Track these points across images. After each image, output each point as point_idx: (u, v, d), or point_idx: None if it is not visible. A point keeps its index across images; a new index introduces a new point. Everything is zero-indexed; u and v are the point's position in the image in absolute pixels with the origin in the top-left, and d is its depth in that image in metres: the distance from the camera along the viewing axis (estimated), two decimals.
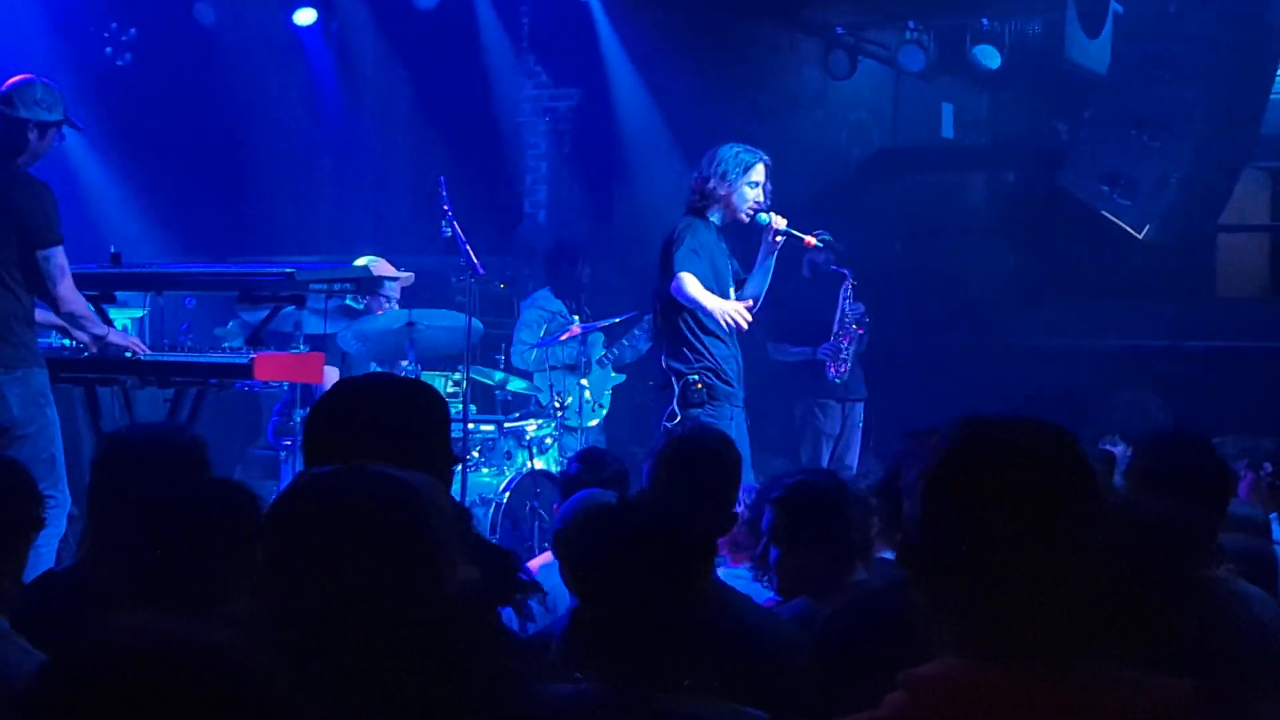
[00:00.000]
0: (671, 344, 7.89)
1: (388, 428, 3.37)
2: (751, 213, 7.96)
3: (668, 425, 7.58)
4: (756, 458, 8.55)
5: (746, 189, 7.97)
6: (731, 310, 7.71)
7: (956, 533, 2.07)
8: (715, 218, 8.00)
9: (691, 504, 4.25)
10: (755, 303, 8.06)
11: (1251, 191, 13.73)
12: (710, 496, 4.52)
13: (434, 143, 12.36)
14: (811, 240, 8.05)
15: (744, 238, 8.38)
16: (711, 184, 7.95)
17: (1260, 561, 4.73)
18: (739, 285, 8.18)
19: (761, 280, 8.18)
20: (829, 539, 4.46)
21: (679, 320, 7.84)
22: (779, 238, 7.99)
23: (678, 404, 7.74)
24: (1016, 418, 2.13)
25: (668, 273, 7.80)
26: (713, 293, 7.80)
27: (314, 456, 3.34)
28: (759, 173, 8.01)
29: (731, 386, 7.87)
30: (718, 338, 7.83)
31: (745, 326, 7.78)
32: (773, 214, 7.98)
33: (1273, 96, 13.06)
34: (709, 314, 7.74)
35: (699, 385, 7.75)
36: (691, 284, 7.68)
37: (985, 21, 13.84)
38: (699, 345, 7.80)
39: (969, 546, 2.05)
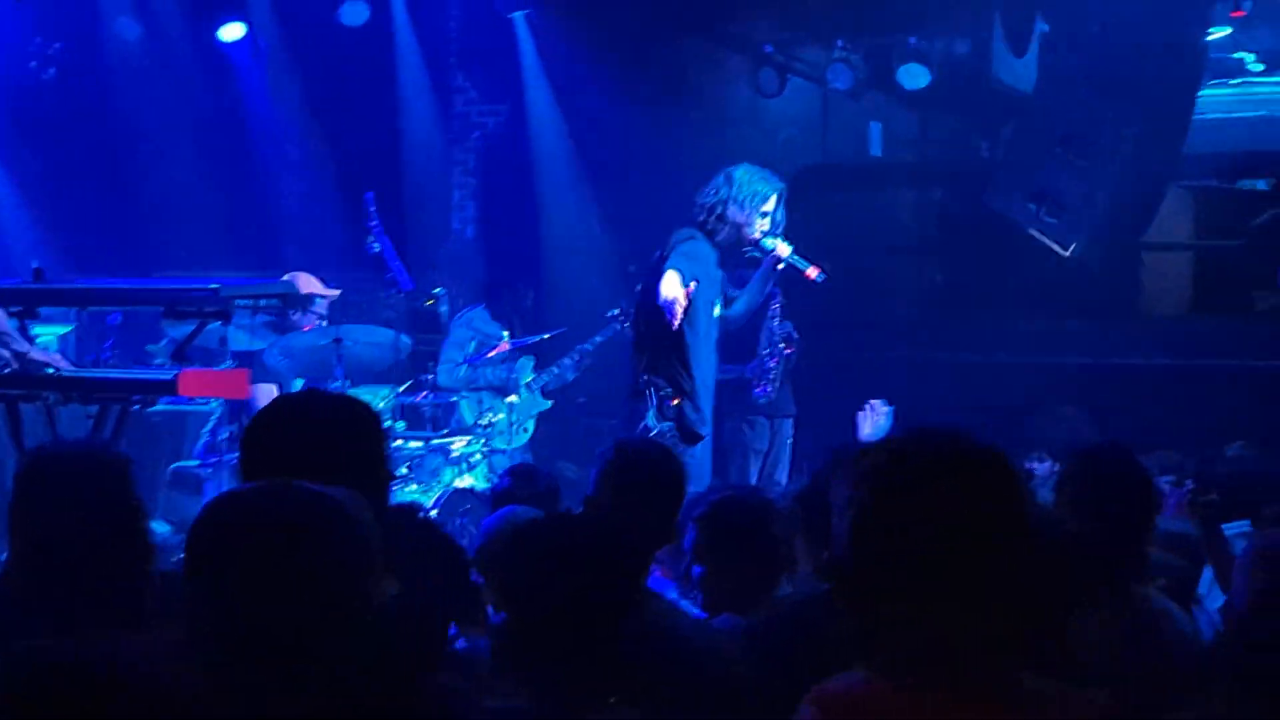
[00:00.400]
0: (653, 358, 7.97)
1: (322, 444, 3.38)
2: (756, 240, 8.05)
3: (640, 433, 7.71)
4: None
5: (759, 219, 8.04)
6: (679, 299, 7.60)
7: (884, 551, 2.06)
8: (719, 238, 8.07)
9: (632, 516, 4.24)
10: (739, 318, 8.11)
11: (1175, 210, 13.87)
12: (651, 509, 4.49)
13: (362, 159, 12.29)
14: (813, 273, 8.07)
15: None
16: (729, 209, 8.02)
17: (1184, 579, 4.78)
18: (727, 303, 8.19)
19: (752, 299, 8.23)
20: (752, 555, 4.46)
21: (667, 337, 7.89)
22: (780, 264, 8.07)
23: (654, 416, 7.84)
24: (948, 436, 2.12)
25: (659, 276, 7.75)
26: (705, 306, 7.85)
27: (251, 473, 3.33)
28: (772, 203, 8.09)
29: (699, 413, 7.99)
30: (697, 364, 7.95)
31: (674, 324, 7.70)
32: (779, 240, 8.04)
33: (1195, 116, 13.21)
34: (694, 337, 7.85)
35: (674, 402, 7.85)
36: (671, 279, 7.62)
37: (913, 40, 13.91)
38: (680, 367, 7.91)
39: (895, 565, 2.04)
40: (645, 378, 7.91)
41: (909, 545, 2.04)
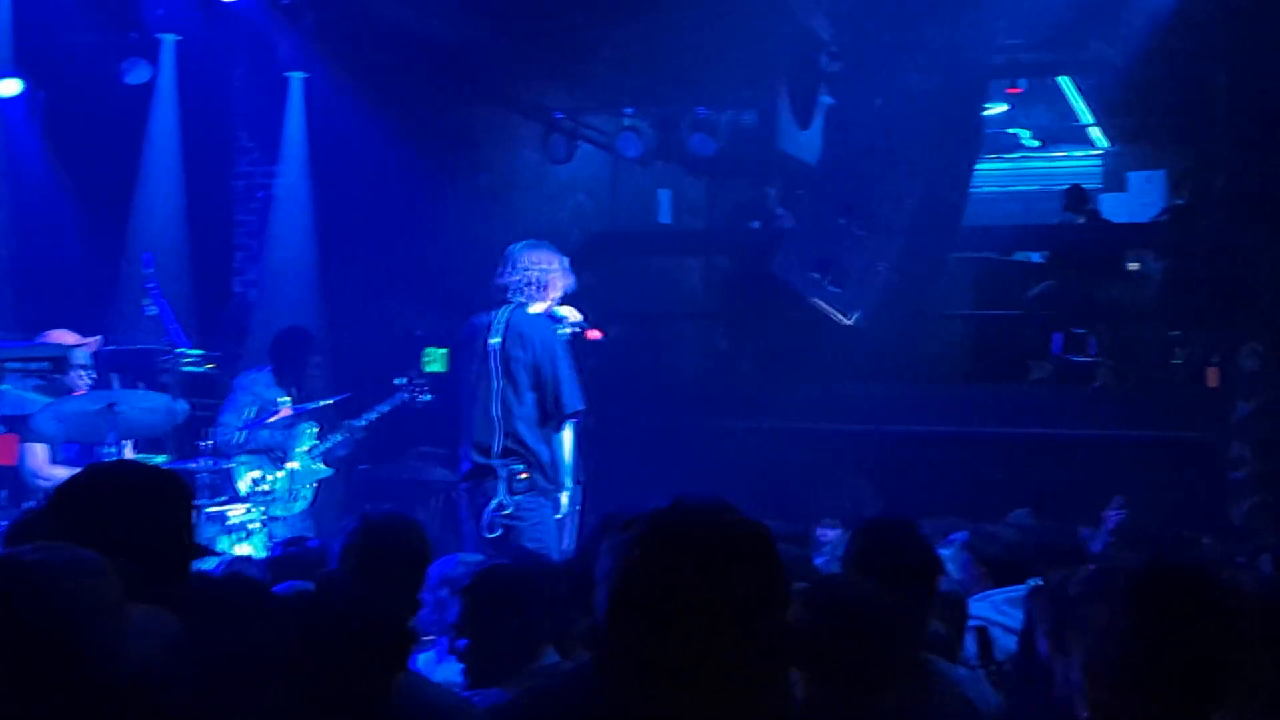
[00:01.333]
0: (515, 433, 8.16)
1: (126, 514, 3.47)
2: (558, 312, 8.36)
3: (498, 514, 7.99)
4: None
5: (559, 287, 8.38)
6: None
7: (640, 623, 2.03)
8: (532, 308, 8.29)
9: (378, 591, 4.14)
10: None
11: (954, 280, 14.18)
12: (395, 582, 4.39)
13: (143, 218, 12.01)
14: (594, 334, 8.54)
15: None
16: (542, 279, 8.30)
17: (950, 642, 4.84)
18: None
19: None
20: (517, 625, 4.37)
21: (534, 412, 8.17)
22: (569, 329, 8.33)
23: (505, 494, 8.03)
24: (713, 512, 2.09)
25: (547, 363, 8.14)
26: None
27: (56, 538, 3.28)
28: (566, 271, 8.43)
29: (552, 483, 8.18)
30: (551, 435, 8.23)
31: None
32: (566, 308, 8.39)
33: (974, 190, 13.56)
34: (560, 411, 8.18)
35: (524, 477, 8.07)
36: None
37: (701, 110, 14.09)
38: (532, 438, 8.15)
39: (651, 638, 2.01)
40: (502, 458, 8.14)
41: (665, 618, 2.01)
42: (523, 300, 8.28)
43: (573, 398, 8.20)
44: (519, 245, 8.46)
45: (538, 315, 8.27)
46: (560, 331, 8.31)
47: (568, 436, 8.31)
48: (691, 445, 12.59)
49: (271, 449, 10.05)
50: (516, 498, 8.03)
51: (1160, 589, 3.02)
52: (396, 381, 10.34)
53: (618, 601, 2.05)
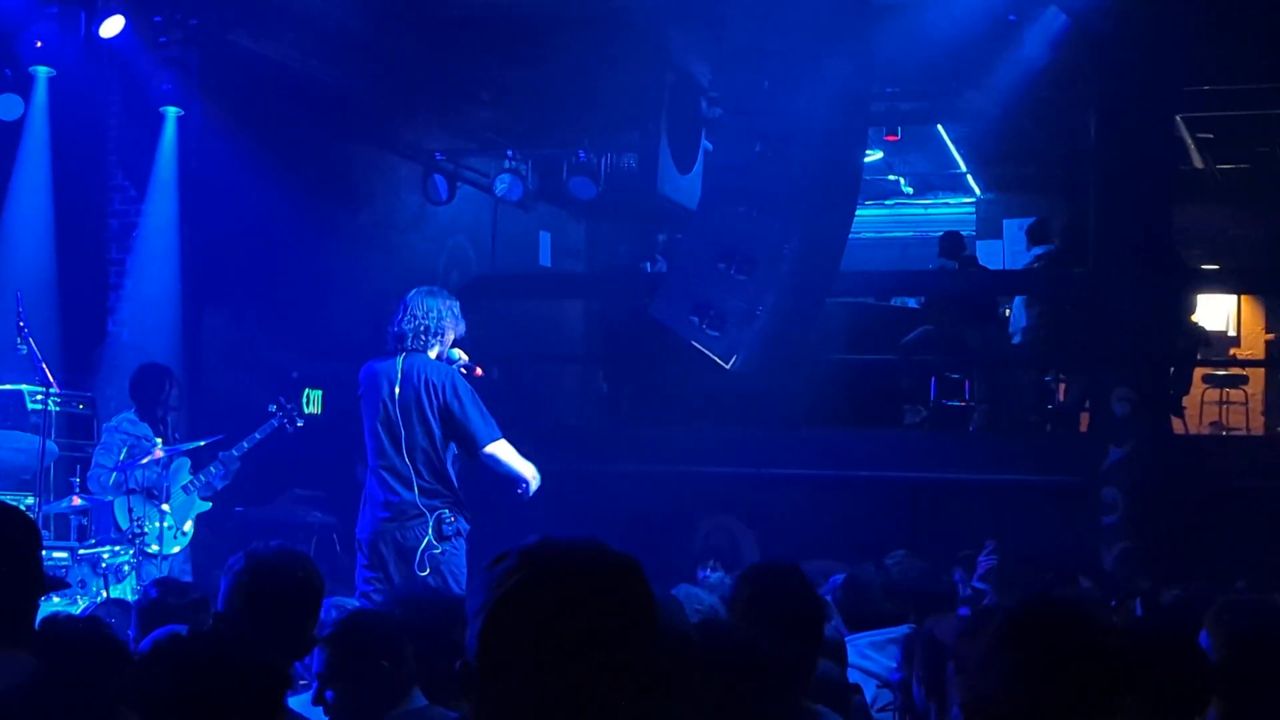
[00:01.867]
0: (431, 476, 8.39)
1: None
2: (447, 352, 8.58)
3: (428, 553, 8.25)
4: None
5: (453, 331, 8.61)
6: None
7: (512, 668, 2.01)
8: (430, 353, 8.51)
9: (265, 630, 4.05)
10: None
11: (833, 325, 14.30)
12: (285, 621, 4.29)
13: (10, 257, 11.79)
14: (479, 372, 8.67)
15: None
16: (441, 325, 8.49)
17: (831, 684, 4.85)
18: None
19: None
20: (383, 672, 4.29)
21: (446, 455, 8.42)
22: (460, 369, 8.54)
23: (433, 536, 8.30)
24: (584, 550, 2.07)
25: (456, 404, 8.35)
26: None
27: None
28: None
29: (469, 522, 8.47)
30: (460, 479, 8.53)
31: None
32: (456, 349, 8.64)
33: (852, 236, 13.68)
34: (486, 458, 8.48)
35: (451, 520, 8.36)
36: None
37: (582, 154, 14.13)
38: (445, 481, 8.43)
39: (524, 682, 1.99)
40: (421, 496, 8.38)
41: (534, 664, 1.99)
42: (419, 346, 8.46)
43: (488, 431, 8.41)
44: (413, 293, 8.62)
45: (436, 360, 8.47)
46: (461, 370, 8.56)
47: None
48: (572, 488, 12.54)
49: (146, 488, 9.89)
50: (445, 542, 8.32)
51: (1036, 628, 3.04)
52: (270, 408, 10.26)
53: (488, 635, 2.03)
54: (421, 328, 8.47)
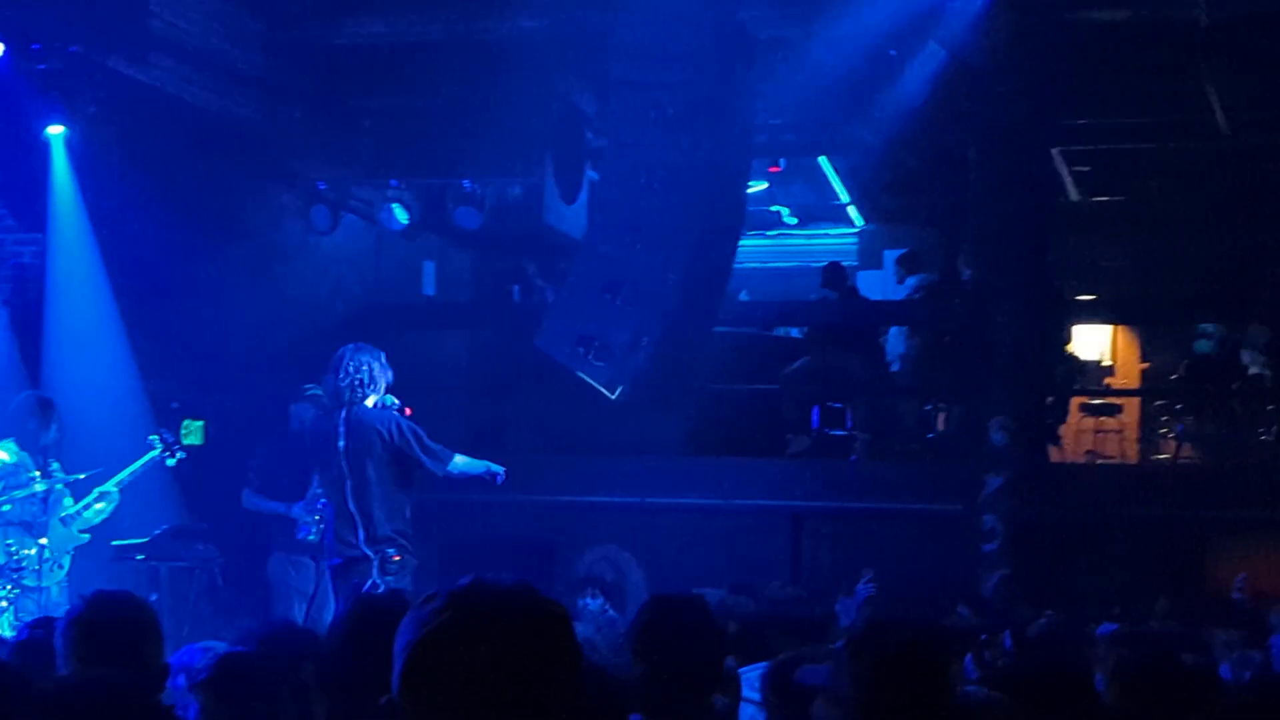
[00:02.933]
0: (384, 518, 8.95)
1: None
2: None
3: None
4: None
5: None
6: None
7: (436, 705, 2.03)
8: (368, 402, 9.11)
9: (109, 676, 3.96)
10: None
11: (716, 355, 14.35)
12: (129, 665, 4.20)
13: None
14: (408, 411, 9.30)
15: None
16: (374, 374, 9.11)
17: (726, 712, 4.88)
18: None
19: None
20: (258, 715, 4.17)
21: (403, 494, 9.11)
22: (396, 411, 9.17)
23: (378, 575, 8.81)
24: (511, 594, 2.10)
25: (404, 445, 8.99)
26: None
27: None
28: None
29: (415, 556, 9.09)
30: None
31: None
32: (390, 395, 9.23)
33: (736, 265, 13.78)
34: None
35: (395, 559, 8.89)
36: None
37: (466, 183, 14.10)
38: (395, 524, 8.99)
39: (449, 713, 2.01)
40: (367, 536, 8.92)
41: (460, 694, 2.01)
42: (358, 399, 9.07)
43: (444, 453, 9.14)
44: (343, 350, 9.23)
45: (375, 408, 9.09)
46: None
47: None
48: (454, 518, 12.52)
49: (25, 520, 9.71)
50: (388, 578, 8.83)
51: (887, 640, 3.08)
52: (149, 439, 10.13)
53: (411, 673, 2.05)
54: (356, 381, 9.09)
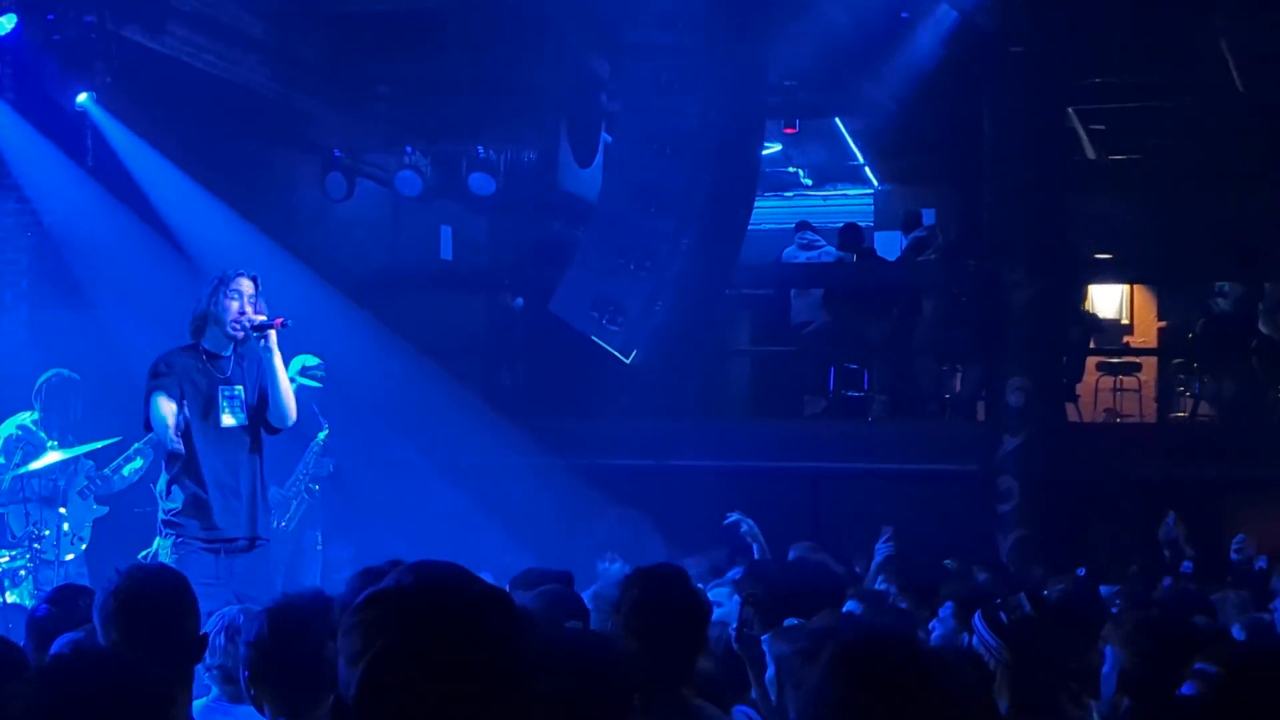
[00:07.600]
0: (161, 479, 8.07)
1: None
2: (236, 327, 7.93)
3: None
4: None
5: (230, 303, 7.93)
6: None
7: (385, 696, 2.05)
8: (209, 342, 7.99)
9: (144, 649, 4.02)
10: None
11: (732, 317, 14.40)
12: (169, 636, 4.25)
13: None
14: (279, 322, 7.95)
15: None
16: (198, 308, 8.01)
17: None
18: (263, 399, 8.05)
19: (270, 384, 8.03)
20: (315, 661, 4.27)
21: (161, 458, 8.09)
22: (259, 339, 7.94)
23: (160, 538, 7.92)
24: (453, 590, 2.12)
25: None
26: (194, 412, 7.90)
27: None
28: (238, 285, 7.97)
29: (213, 525, 7.87)
30: (190, 479, 7.88)
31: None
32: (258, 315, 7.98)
33: (751, 227, 13.79)
34: (180, 452, 7.88)
35: (164, 524, 7.90)
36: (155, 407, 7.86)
37: (481, 149, 14.12)
38: (170, 485, 7.92)
39: (395, 710, 2.04)
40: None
41: (408, 694, 2.04)
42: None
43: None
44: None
45: (171, 351, 8.21)
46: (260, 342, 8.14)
47: None
48: (474, 481, 12.58)
49: (41, 494, 9.78)
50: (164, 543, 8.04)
51: (866, 662, 3.11)
52: None
53: (366, 686, 2.06)
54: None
